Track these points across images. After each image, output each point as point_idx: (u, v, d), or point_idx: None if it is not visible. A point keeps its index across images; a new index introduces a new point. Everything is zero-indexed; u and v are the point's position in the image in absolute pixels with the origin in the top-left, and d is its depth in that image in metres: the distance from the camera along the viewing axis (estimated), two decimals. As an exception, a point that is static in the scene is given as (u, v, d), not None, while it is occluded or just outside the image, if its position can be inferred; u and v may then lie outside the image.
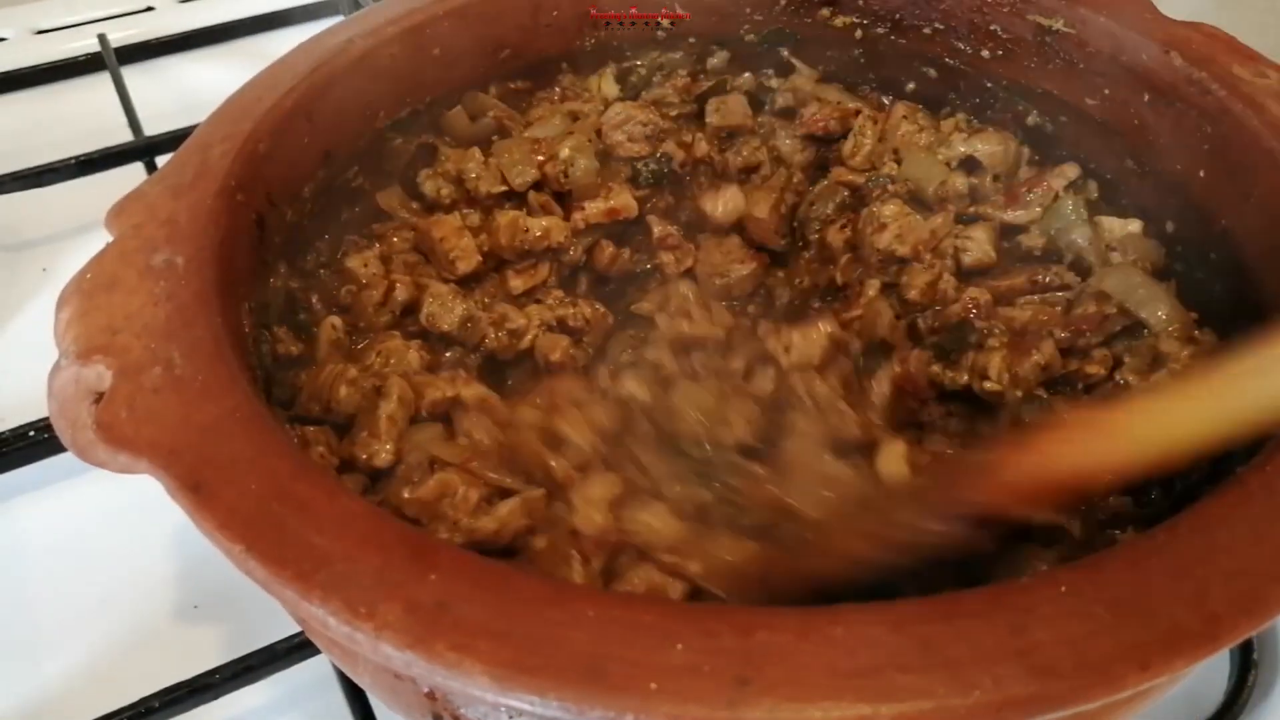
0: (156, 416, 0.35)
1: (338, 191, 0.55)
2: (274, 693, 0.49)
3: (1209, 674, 0.49)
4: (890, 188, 0.58)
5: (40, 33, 0.94)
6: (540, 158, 0.57)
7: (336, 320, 0.50)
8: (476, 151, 0.58)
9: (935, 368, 0.49)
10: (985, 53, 0.61)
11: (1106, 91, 0.56)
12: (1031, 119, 0.60)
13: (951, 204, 0.56)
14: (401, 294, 0.52)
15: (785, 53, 0.65)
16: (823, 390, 0.48)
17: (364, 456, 0.44)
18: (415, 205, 0.58)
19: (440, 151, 0.58)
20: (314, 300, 0.51)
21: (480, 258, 0.55)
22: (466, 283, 0.55)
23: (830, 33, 0.64)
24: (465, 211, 0.57)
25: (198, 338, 0.38)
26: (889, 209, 0.55)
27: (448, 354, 0.53)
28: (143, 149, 0.75)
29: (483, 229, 0.56)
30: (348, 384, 0.45)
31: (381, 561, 0.31)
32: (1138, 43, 0.53)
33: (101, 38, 0.87)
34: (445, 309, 0.52)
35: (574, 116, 0.60)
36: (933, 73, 0.63)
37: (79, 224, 0.74)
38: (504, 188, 0.57)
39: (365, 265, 0.53)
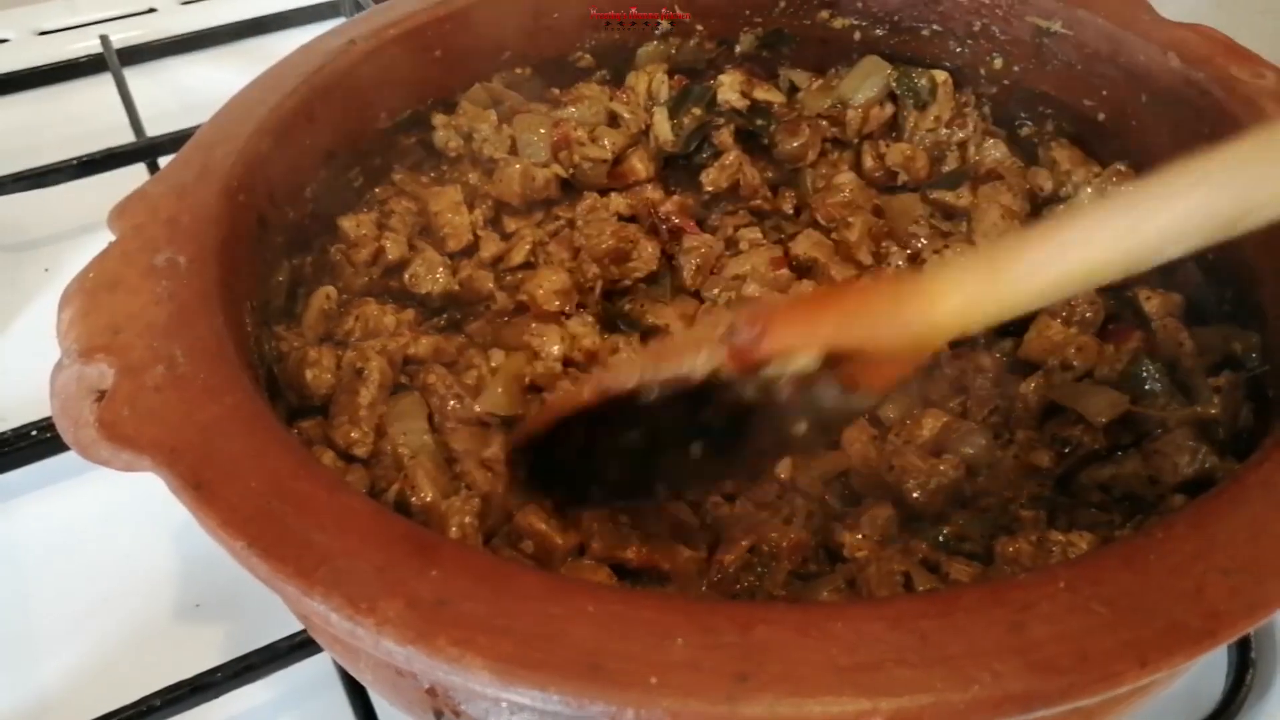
0: (158, 415, 0.35)
1: (340, 192, 0.55)
2: (275, 691, 0.49)
3: (1207, 672, 0.49)
4: None
5: (42, 34, 0.94)
6: (556, 138, 0.57)
7: (331, 290, 0.51)
8: (493, 114, 0.58)
9: None
10: (984, 55, 0.61)
11: (1104, 93, 0.56)
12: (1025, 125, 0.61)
13: None
14: (393, 252, 0.53)
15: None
16: None
17: (342, 444, 0.44)
18: (424, 179, 0.59)
19: (460, 104, 0.59)
20: (310, 271, 0.52)
21: (472, 236, 0.56)
22: (455, 257, 0.56)
23: (829, 34, 0.64)
24: (468, 170, 0.58)
25: (199, 336, 0.38)
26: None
27: (430, 320, 0.54)
28: (145, 150, 0.75)
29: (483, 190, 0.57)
30: (311, 366, 0.46)
31: (383, 558, 0.31)
32: (1135, 44, 0.54)
33: (104, 39, 0.87)
34: (430, 273, 0.53)
35: (613, 116, 0.60)
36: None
37: (81, 224, 0.74)
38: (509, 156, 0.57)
39: (358, 226, 0.53)
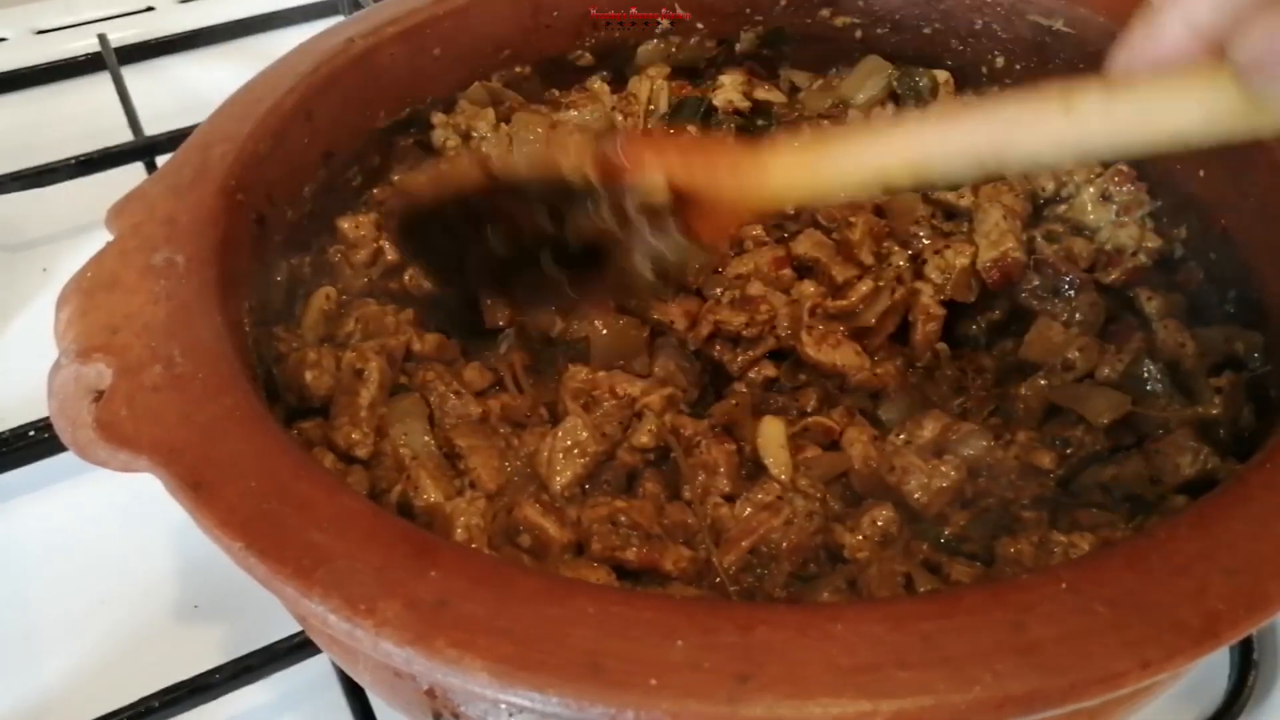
0: (156, 415, 0.35)
1: (338, 191, 0.55)
2: (274, 693, 0.49)
3: (1209, 673, 0.49)
4: None
5: (40, 33, 0.94)
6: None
7: (331, 291, 0.51)
8: (491, 112, 0.58)
9: None
10: (985, 53, 0.61)
11: (1106, 91, 0.56)
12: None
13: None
14: (392, 253, 0.53)
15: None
16: None
17: (343, 445, 0.44)
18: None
19: (458, 103, 0.59)
20: (308, 272, 0.52)
21: None
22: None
23: (830, 33, 0.64)
24: None
25: (198, 336, 0.38)
26: None
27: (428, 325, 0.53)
28: (143, 149, 0.75)
29: None
30: (310, 368, 0.46)
31: (382, 559, 0.31)
32: (1137, 42, 0.53)
33: (102, 38, 0.86)
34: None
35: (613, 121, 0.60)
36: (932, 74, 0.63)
37: (79, 224, 0.74)
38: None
39: (357, 227, 0.53)
